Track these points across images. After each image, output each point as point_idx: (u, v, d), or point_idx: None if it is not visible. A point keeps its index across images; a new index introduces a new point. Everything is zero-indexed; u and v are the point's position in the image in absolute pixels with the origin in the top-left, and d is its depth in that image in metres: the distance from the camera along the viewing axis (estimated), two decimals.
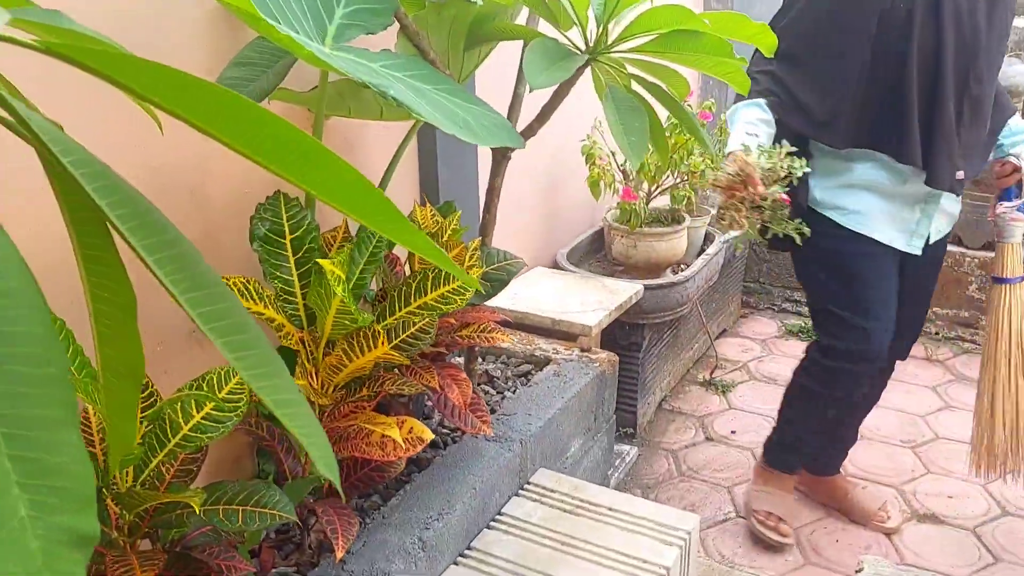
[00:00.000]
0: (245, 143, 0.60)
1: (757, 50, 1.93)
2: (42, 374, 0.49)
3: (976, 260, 3.27)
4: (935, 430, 2.78)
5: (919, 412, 2.88)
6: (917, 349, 3.30)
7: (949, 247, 3.34)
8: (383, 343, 1.25)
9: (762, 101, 1.87)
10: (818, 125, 1.88)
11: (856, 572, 1.87)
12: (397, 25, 1.38)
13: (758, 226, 1.82)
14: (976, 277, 3.28)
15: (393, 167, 1.68)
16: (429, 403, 1.86)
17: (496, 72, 1.82)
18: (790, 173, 1.76)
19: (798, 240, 1.84)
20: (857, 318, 1.99)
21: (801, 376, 2.17)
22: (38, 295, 0.52)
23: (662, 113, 1.72)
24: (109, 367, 0.70)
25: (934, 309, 3.35)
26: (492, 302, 1.84)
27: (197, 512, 1.05)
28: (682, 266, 2.80)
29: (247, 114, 0.58)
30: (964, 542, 2.26)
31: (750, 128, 1.86)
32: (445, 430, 1.80)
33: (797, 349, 3.35)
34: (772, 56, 1.91)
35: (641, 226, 2.60)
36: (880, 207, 1.95)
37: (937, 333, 3.38)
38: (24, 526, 0.46)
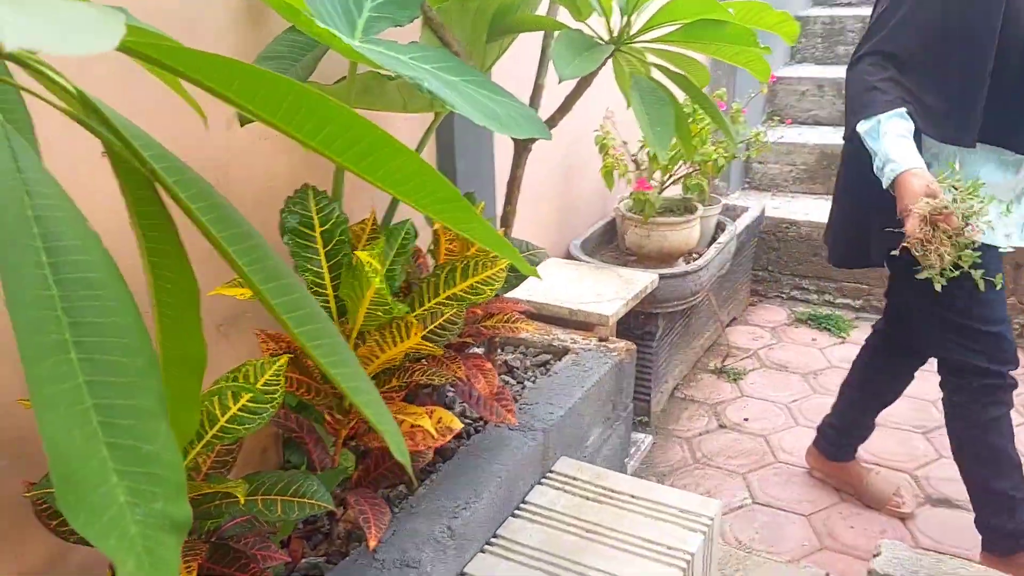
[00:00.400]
0: (311, 136, 0.61)
1: (862, 58, 1.85)
2: (134, 364, 0.50)
3: None
4: None
5: (929, 397, 2.89)
6: None
7: None
8: (416, 333, 1.26)
9: (902, 110, 1.78)
10: (945, 127, 1.81)
11: (874, 556, 1.89)
12: (420, 18, 1.39)
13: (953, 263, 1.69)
14: None
15: None
16: (450, 393, 1.87)
17: (510, 63, 1.83)
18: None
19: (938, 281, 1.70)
20: (1001, 326, 1.92)
21: (978, 431, 2.01)
22: (123, 286, 0.53)
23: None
24: (171, 358, 0.71)
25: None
26: (507, 294, 1.85)
27: (241, 502, 1.07)
28: (694, 255, 2.81)
29: (318, 108, 0.59)
30: None
31: (905, 143, 1.75)
32: (467, 420, 1.82)
33: (806, 336, 3.37)
34: (884, 60, 1.81)
35: (654, 216, 2.61)
36: (996, 209, 1.86)
37: None
38: (124, 512, 0.47)
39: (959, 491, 2.40)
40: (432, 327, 1.34)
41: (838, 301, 3.61)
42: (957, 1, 1.76)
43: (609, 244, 2.92)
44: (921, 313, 2.00)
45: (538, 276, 0.72)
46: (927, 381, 2.97)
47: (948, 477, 2.47)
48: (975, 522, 2.11)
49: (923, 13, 1.79)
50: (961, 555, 2.15)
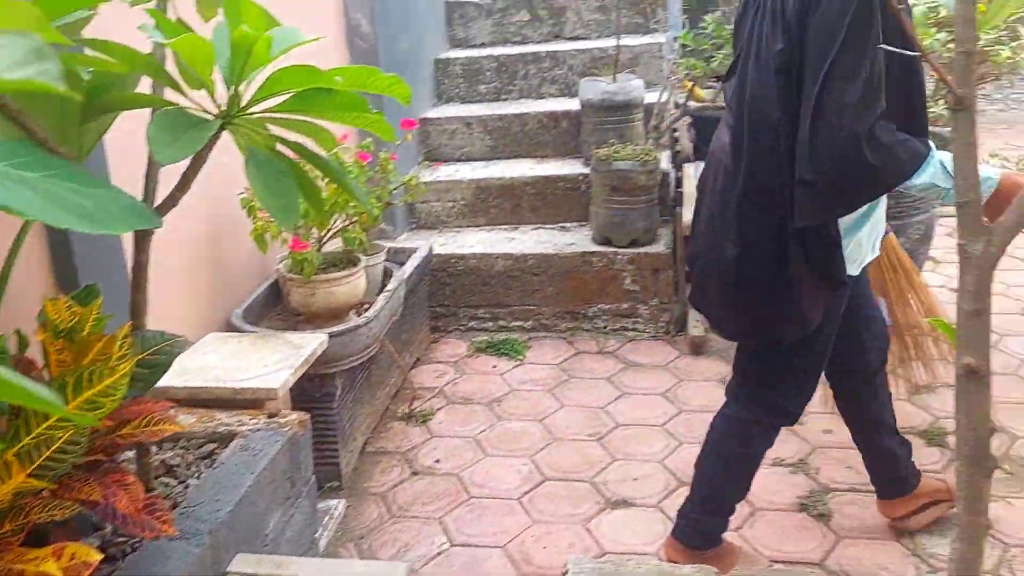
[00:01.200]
0: None
1: (868, 139, 1.69)
2: None
3: (626, 257, 3.62)
4: (615, 418, 3.02)
5: (599, 404, 3.13)
6: (589, 344, 3.61)
7: (601, 249, 3.70)
8: (18, 474, 1.08)
9: (932, 146, 1.76)
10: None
11: (562, 575, 1.98)
12: None
13: None
14: (629, 272, 3.63)
15: (14, 256, 1.47)
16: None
17: (135, 137, 1.67)
18: None
19: None
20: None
21: (748, 456, 2.13)
22: None
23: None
24: None
25: (599, 305, 3.68)
26: (158, 384, 1.69)
27: None
28: (365, 306, 2.79)
29: None
30: (651, 519, 2.48)
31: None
32: (123, 538, 1.62)
33: (487, 364, 3.50)
34: (883, 120, 1.70)
35: (316, 273, 2.55)
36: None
37: (604, 327, 3.70)
38: None
39: (633, 489, 2.61)
40: (43, 458, 1.16)
41: (512, 325, 3.79)
42: (892, 39, 1.70)
43: (275, 307, 2.81)
44: (776, 358, 2.02)
45: (115, 404, 0.63)
46: (595, 389, 3.23)
47: (622, 478, 2.68)
48: (681, 512, 2.21)
49: (874, 63, 1.72)
50: (641, 551, 2.33)
